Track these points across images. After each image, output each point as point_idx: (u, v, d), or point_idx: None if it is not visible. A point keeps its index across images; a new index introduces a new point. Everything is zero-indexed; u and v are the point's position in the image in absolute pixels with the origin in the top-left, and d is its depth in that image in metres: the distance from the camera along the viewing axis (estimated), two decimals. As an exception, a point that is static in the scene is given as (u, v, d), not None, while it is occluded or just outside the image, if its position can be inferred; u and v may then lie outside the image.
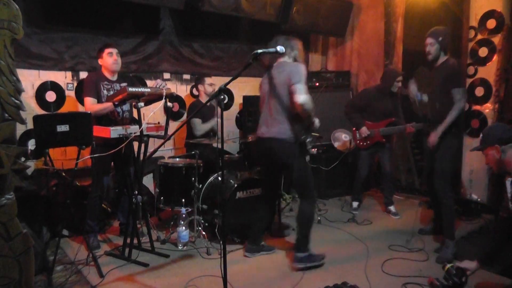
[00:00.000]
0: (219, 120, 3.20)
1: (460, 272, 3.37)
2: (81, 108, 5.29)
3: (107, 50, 4.47)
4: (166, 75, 6.34)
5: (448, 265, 3.43)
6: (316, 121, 4.15)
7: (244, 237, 4.68)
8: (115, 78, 4.60)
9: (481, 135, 3.45)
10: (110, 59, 4.47)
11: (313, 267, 4.10)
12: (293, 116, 4.01)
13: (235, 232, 4.67)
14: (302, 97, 3.82)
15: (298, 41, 4.25)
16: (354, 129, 5.92)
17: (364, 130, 5.68)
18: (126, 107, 4.58)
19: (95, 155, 4.17)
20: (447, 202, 4.35)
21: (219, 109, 3.16)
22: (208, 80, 5.75)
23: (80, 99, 5.37)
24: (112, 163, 4.71)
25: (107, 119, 4.46)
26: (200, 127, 5.60)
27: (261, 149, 4.27)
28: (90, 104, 4.37)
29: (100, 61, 4.54)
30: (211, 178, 4.99)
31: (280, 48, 3.32)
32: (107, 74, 4.55)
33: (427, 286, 3.67)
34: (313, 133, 4.32)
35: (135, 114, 4.37)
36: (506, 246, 3.42)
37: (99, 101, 4.41)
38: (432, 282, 3.60)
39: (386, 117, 5.61)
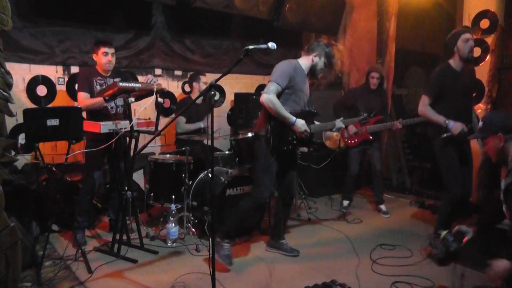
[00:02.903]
0: (210, 117, 3.17)
1: (460, 236, 3.23)
2: (72, 103, 5.28)
3: (103, 49, 4.42)
4: (158, 71, 6.32)
5: (444, 233, 3.20)
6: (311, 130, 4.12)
7: (234, 234, 4.66)
8: (108, 73, 4.58)
9: (481, 122, 3.29)
10: (104, 59, 4.44)
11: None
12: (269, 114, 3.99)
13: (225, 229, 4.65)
14: (264, 96, 3.88)
15: (321, 44, 4.19)
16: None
17: (351, 128, 5.71)
18: (120, 102, 4.55)
19: (85, 150, 4.15)
20: None
21: (213, 107, 3.12)
22: (203, 78, 5.74)
23: (71, 93, 5.36)
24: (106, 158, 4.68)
25: (101, 114, 4.43)
26: (183, 126, 5.61)
27: None
28: (83, 99, 4.35)
29: (94, 57, 4.50)
30: (201, 175, 4.98)
31: (271, 45, 3.13)
32: (100, 70, 4.52)
33: (416, 285, 3.66)
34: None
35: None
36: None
37: (92, 96, 4.39)
38: (430, 252, 3.28)
39: (374, 115, 5.62)
